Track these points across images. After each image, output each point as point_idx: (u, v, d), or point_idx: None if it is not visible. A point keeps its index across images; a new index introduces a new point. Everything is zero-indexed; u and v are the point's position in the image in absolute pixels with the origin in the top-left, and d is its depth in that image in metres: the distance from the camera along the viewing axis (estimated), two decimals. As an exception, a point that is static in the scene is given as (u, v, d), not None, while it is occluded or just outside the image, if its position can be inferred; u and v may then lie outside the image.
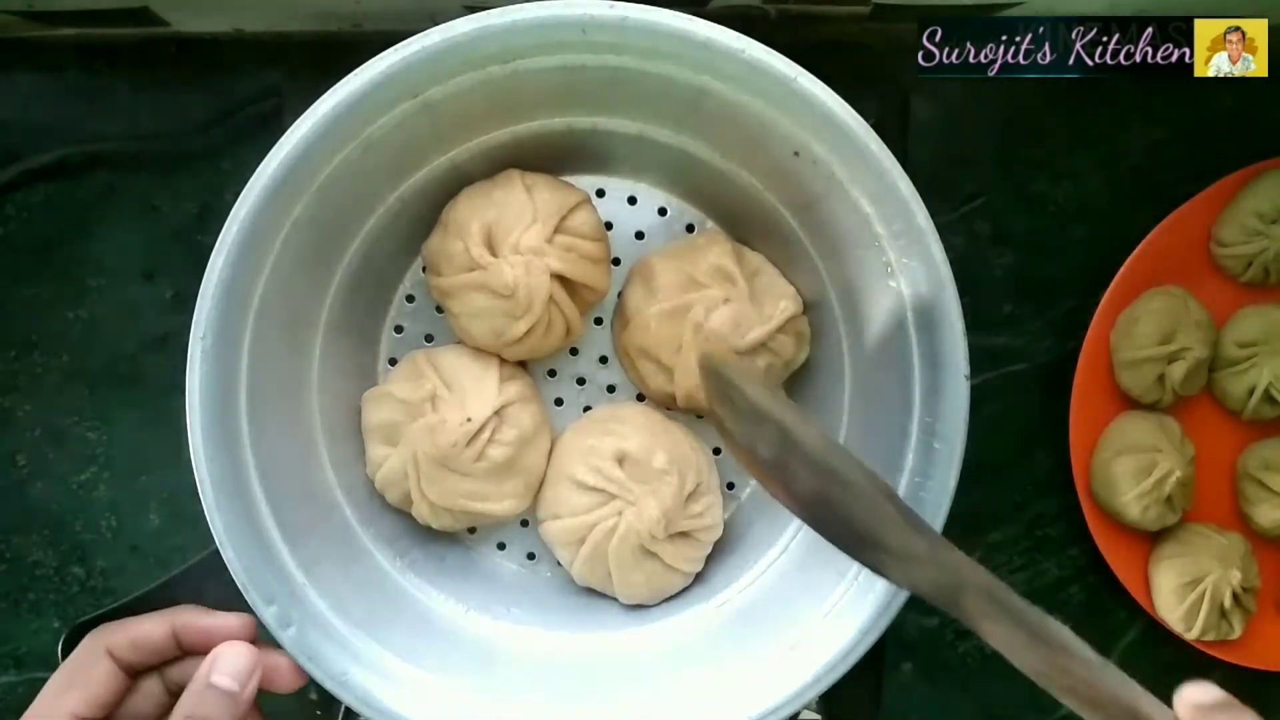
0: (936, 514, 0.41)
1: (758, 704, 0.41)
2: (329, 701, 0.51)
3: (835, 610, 0.42)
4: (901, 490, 0.41)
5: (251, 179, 0.38)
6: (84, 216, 0.55)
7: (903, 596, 0.41)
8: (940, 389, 0.41)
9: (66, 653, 0.39)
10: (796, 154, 0.41)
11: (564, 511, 0.47)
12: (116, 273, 0.56)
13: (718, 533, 0.49)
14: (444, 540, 0.50)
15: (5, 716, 0.58)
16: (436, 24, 0.39)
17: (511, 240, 0.44)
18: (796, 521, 0.47)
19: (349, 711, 0.51)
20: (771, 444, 0.38)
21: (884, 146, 0.39)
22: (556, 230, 0.45)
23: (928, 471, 0.41)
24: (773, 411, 0.38)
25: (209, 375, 0.39)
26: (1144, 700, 0.30)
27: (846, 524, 0.37)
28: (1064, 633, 0.32)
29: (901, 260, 0.41)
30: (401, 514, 0.48)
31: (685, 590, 0.49)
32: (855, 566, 0.42)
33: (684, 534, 0.47)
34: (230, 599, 0.40)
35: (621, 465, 0.46)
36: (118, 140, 0.55)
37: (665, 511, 0.45)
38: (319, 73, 0.39)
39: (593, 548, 0.46)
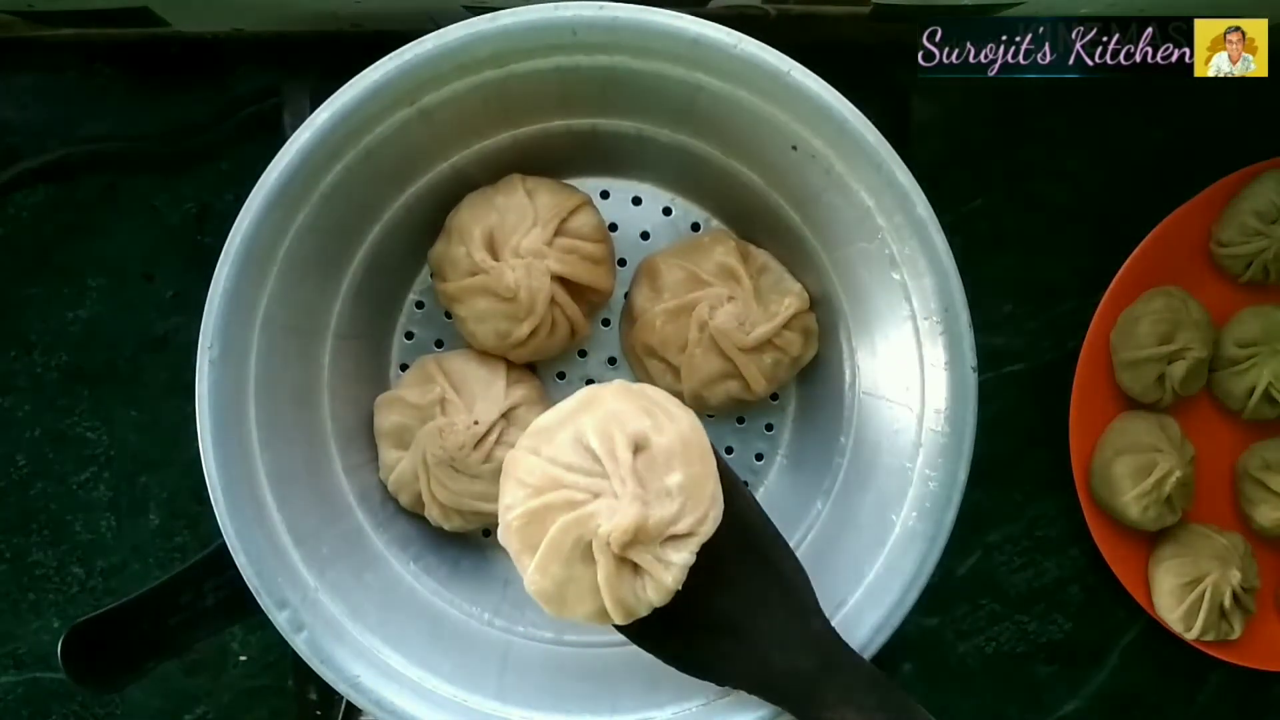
0: (946, 509, 0.41)
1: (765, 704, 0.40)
2: (329, 701, 0.51)
3: (847, 613, 0.42)
4: (911, 486, 0.41)
5: (253, 191, 0.39)
6: (84, 216, 0.55)
7: (912, 599, 0.41)
8: (947, 381, 0.41)
9: (66, 652, 0.39)
10: (795, 148, 0.41)
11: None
12: (116, 273, 0.56)
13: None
14: (458, 544, 0.50)
15: (5, 717, 0.58)
16: (436, 24, 0.39)
17: (513, 244, 0.44)
18: (807, 523, 0.47)
19: (349, 710, 0.51)
20: None
21: (881, 137, 0.39)
22: (557, 233, 0.45)
23: (937, 464, 0.41)
24: None
25: (217, 385, 0.39)
26: None
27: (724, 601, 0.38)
28: (925, 712, 0.36)
29: (904, 252, 0.40)
30: (415, 518, 0.48)
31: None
32: (867, 566, 0.42)
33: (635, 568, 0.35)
34: (231, 598, 0.40)
35: (636, 454, 0.35)
36: (118, 140, 0.55)
37: (640, 530, 0.34)
38: (319, 73, 0.39)
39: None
